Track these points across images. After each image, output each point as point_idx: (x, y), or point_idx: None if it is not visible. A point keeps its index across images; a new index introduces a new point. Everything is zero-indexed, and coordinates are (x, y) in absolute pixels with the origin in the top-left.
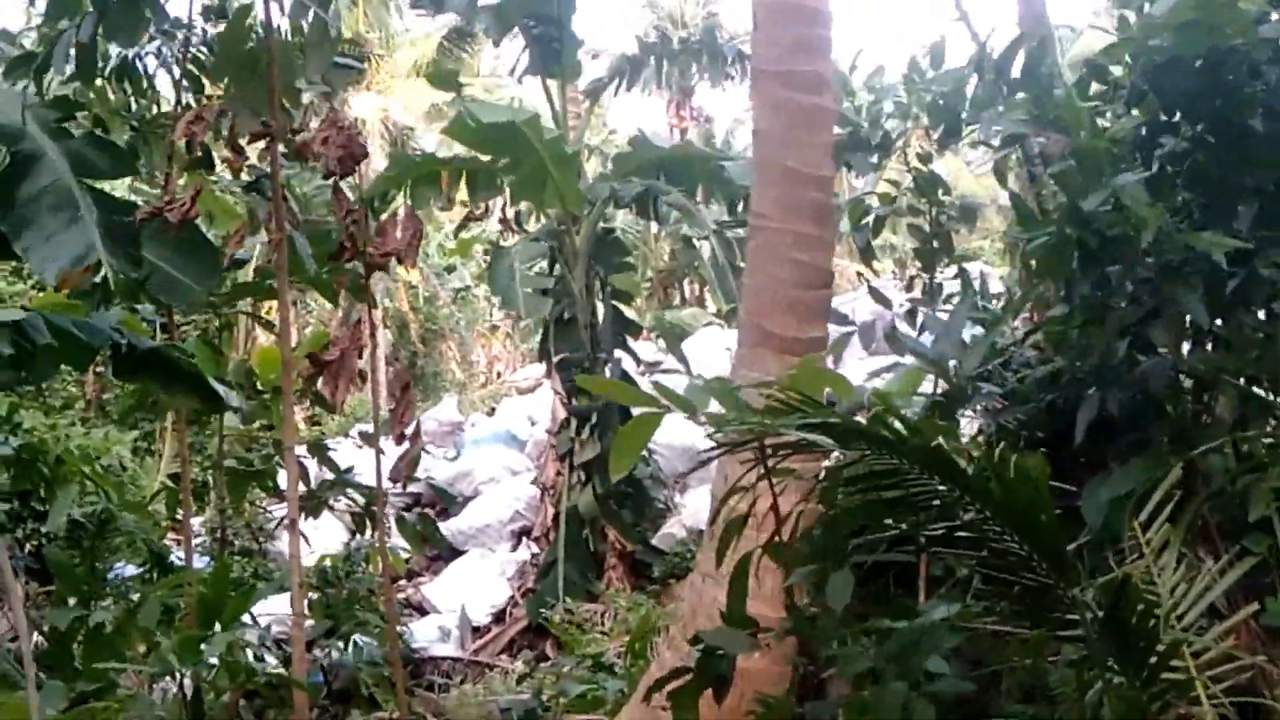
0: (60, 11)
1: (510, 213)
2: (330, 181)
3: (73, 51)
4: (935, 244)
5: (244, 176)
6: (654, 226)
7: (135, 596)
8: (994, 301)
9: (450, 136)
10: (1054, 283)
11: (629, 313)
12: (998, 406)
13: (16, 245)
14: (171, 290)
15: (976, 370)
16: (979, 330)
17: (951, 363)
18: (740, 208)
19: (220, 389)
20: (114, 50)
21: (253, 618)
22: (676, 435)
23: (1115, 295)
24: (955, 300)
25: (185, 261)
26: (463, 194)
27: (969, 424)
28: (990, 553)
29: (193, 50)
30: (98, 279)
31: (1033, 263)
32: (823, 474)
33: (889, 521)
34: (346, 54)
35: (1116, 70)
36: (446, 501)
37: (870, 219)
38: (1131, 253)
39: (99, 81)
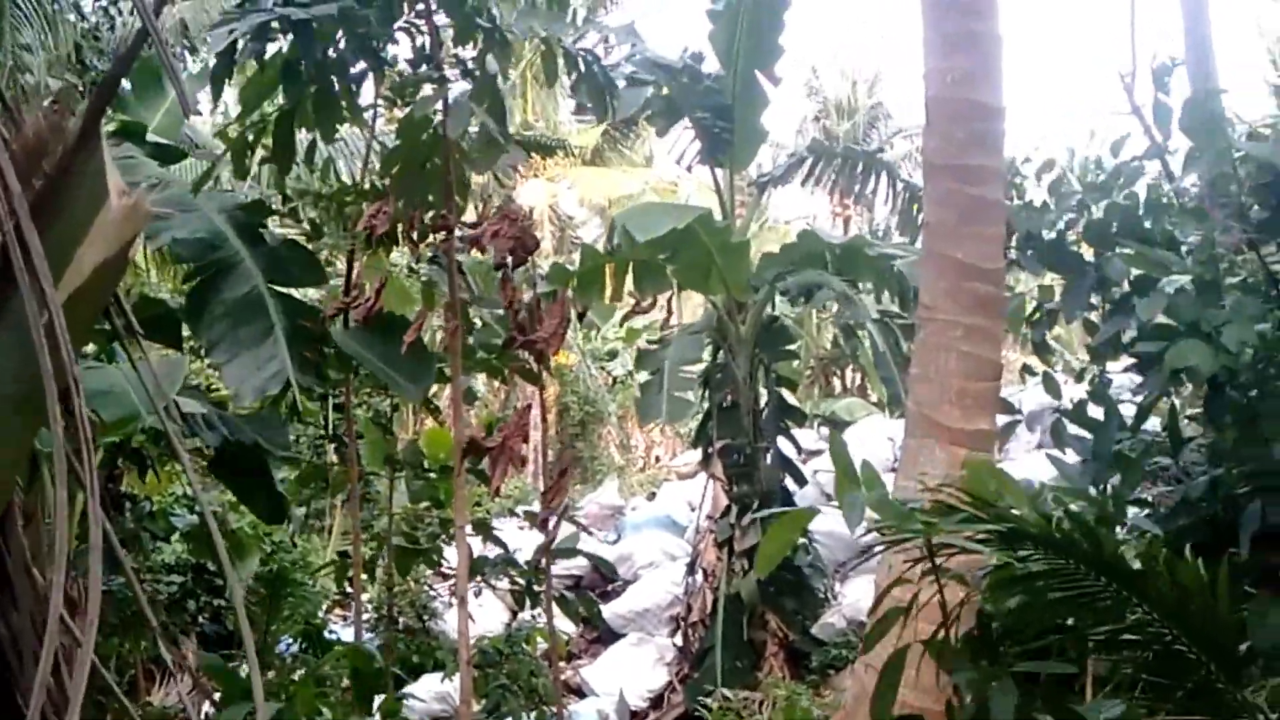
0: (255, 103)
1: (673, 303)
2: (499, 272)
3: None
4: (1107, 340)
5: (422, 261)
6: (814, 315)
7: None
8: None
9: (625, 256)
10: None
11: (791, 400)
12: (1165, 510)
13: (211, 360)
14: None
15: (1134, 494)
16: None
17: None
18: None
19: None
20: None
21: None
22: (837, 524)
23: (1267, 402)
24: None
25: (402, 362)
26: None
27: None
28: (1155, 655)
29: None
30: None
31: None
32: (985, 571)
33: (1054, 620)
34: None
35: None
36: (607, 571)
37: (1041, 311)
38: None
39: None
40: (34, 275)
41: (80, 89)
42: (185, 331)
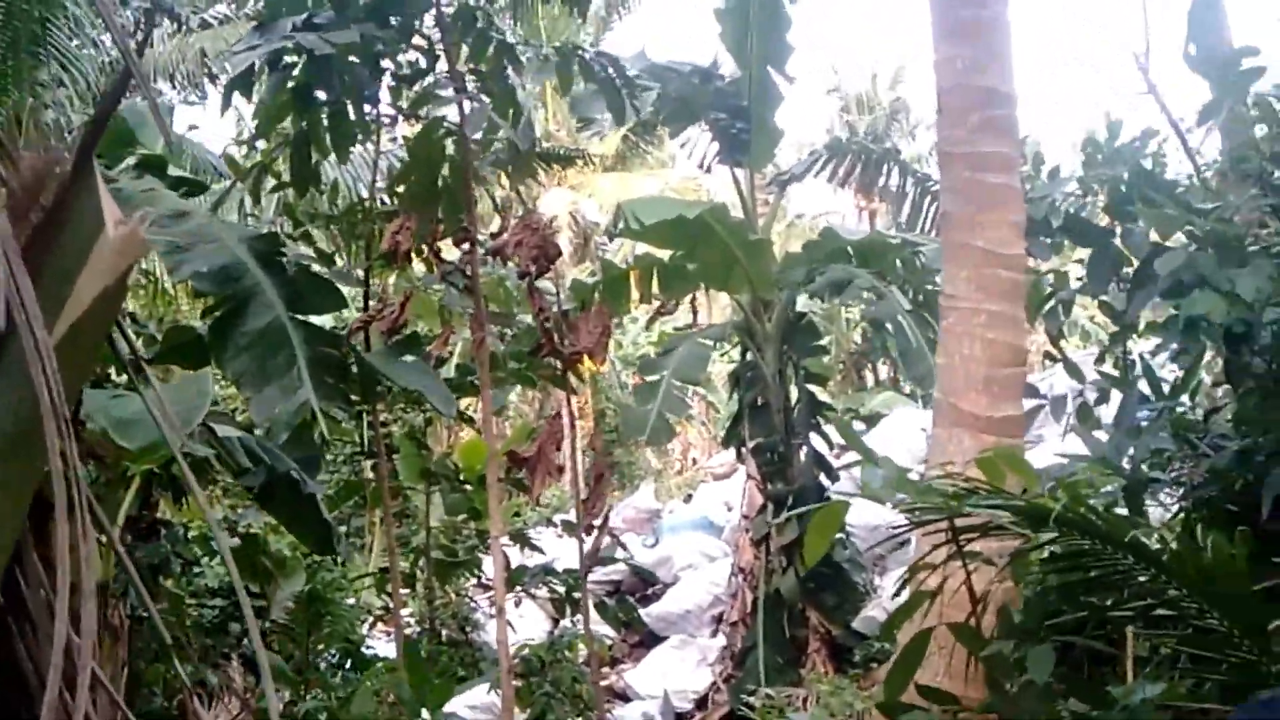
0: (269, 127)
1: (696, 303)
2: (524, 280)
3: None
4: (1125, 319)
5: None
6: (842, 309)
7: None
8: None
9: (628, 238)
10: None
11: (822, 396)
12: (1194, 482)
13: (240, 392)
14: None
15: (1151, 458)
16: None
17: (1129, 451)
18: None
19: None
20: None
21: None
22: (874, 517)
23: None
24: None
25: (433, 385)
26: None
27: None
28: (1193, 630)
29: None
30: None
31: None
32: (1012, 554)
33: (1087, 600)
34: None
35: None
36: (645, 575)
37: (1055, 300)
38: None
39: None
40: (27, 317)
41: None
42: None
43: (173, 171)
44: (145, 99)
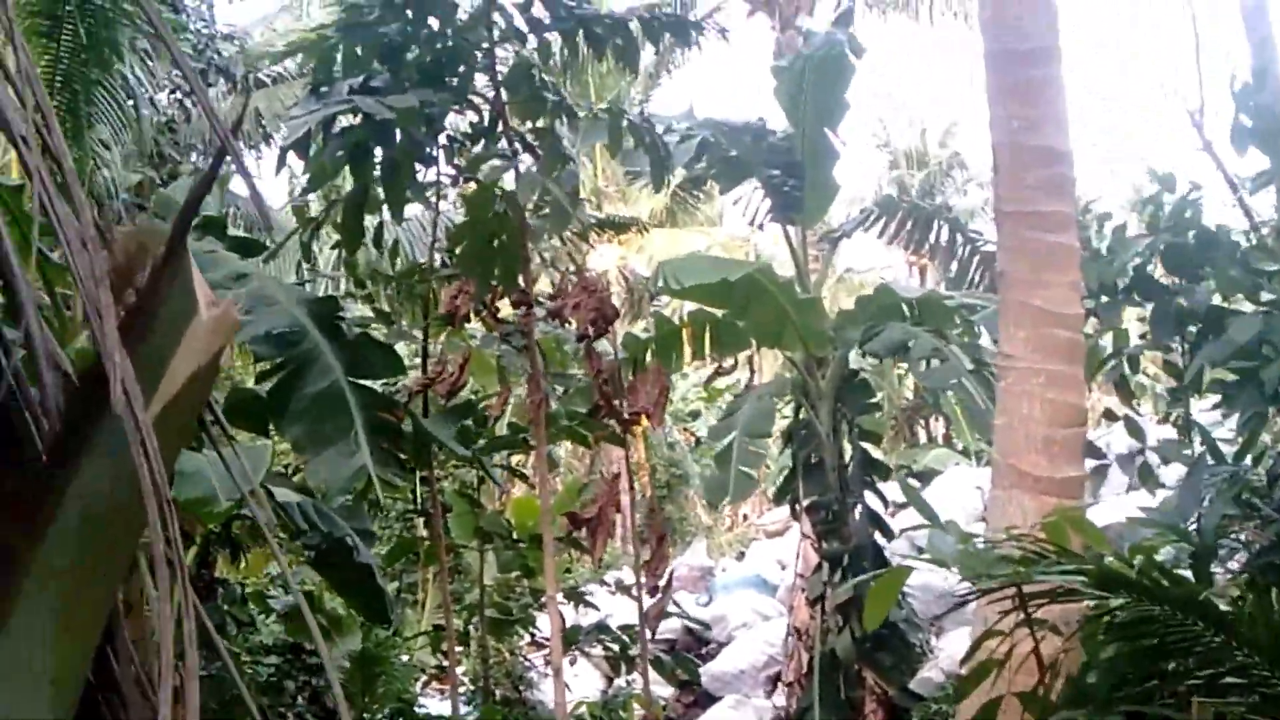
0: (318, 183)
1: (755, 362)
2: (582, 343)
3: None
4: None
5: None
6: (894, 365)
7: None
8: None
9: (671, 296)
10: None
11: (876, 453)
12: (1260, 546)
13: (297, 455)
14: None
15: (1219, 524)
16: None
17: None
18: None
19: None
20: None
21: None
22: (930, 577)
23: None
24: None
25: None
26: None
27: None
28: (1262, 698)
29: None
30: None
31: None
32: (1081, 620)
33: (1155, 666)
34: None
35: None
36: (702, 634)
37: (1120, 356)
38: None
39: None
40: (128, 398)
41: (158, 181)
42: None
43: (232, 232)
44: (242, 174)
